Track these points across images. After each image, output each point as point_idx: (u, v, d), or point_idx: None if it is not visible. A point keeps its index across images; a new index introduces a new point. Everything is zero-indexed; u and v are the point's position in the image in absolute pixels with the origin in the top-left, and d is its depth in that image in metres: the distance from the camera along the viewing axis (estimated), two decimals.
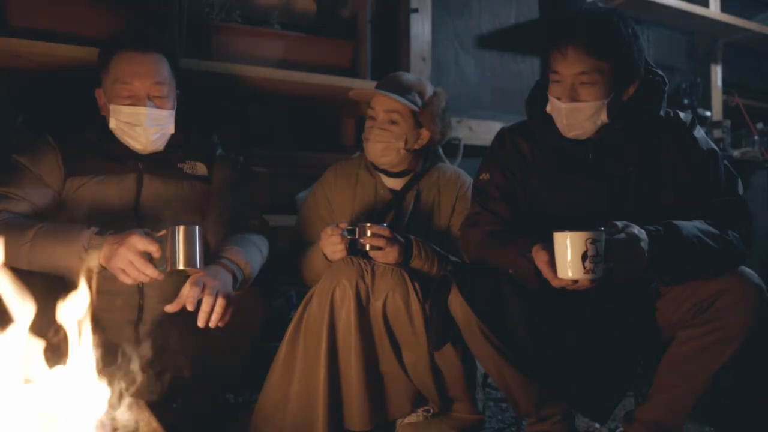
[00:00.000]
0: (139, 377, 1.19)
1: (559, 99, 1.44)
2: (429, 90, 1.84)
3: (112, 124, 1.59)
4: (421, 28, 2.64)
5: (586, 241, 1.22)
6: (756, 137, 3.41)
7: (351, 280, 1.56)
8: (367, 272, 1.59)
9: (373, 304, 1.58)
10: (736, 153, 3.30)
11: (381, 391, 1.62)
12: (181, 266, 1.38)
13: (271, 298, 1.70)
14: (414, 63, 2.60)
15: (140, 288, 1.56)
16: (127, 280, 1.37)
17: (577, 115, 1.43)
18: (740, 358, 1.39)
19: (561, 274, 1.26)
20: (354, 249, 1.63)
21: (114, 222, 1.52)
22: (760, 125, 3.49)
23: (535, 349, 1.44)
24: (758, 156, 3.29)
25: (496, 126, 2.91)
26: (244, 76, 2.18)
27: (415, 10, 2.61)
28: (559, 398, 1.52)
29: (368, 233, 1.59)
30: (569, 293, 1.32)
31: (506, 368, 1.44)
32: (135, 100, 1.58)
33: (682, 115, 1.54)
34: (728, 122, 3.47)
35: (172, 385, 1.36)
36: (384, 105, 1.79)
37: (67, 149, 1.58)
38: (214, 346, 1.51)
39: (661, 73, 1.53)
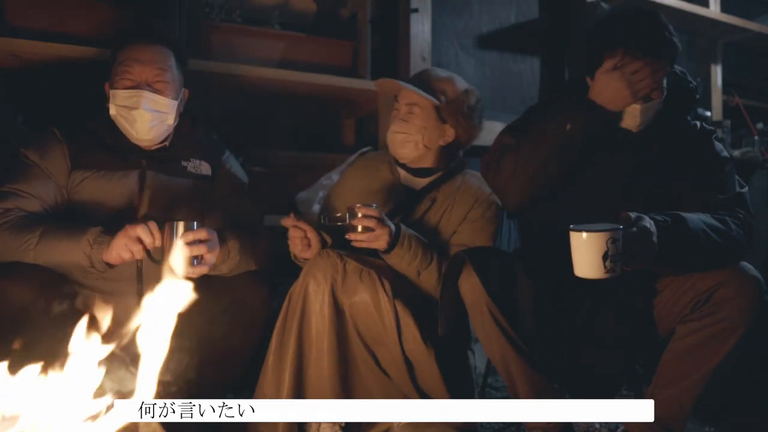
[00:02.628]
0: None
1: None
2: (459, 87, 1.83)
3: (112, 110, 1.59)
4: (421, 28, 2.64)
5: (607, 241, 1.19)
6: (756, 137, 3.40)
7: (326, 273, 1.57)
8: (338, 271, 1.58)
9: (344, 302, 1.58)
10: (736, 153, 3.30)
11: (352, 383, 1.61)
12: None
13: (272, 298, 1.71)
14: (414, 63, 2.60)
15: (139, 290, 1.57)
16: (128, 257, 1.42)
17: (649, 112, 1.52)
18: (740, 358, 1.40)
19: (579, 272, 1.24)
20: (343, 240, 1.61)
21: (115, 217, 1.53)
22: (760, 125, 3.48)
23: (540, 333, 1.46)
24: (758, 156, 3.29)
25: (497, 126, 2.91)
26: (244, 76, 2.18)
27: (415, 10, 2.61)
28: (560, 388, 1.53)
29: (358, 215, 1.57)
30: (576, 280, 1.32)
31: (510, 353, 1.46)
32: (135, 85, 1.59)
33: (707, 123, 1.63)
34: (728, 122, 3.46)
35: (173, 385, 1.37)
36: (406, 98, 1.80)
37: (74, 143, 1.59)
38: (216, 346, 1.52)
39: (694, 83, 1.61)
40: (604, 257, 1.19)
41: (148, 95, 1.58)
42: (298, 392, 1.57)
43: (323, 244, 1.68)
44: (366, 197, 1.80)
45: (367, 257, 1.66)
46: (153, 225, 1.42)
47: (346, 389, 1.58)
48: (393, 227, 1.61)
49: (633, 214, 1.29)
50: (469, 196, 1.81)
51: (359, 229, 1.57)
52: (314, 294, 1.57)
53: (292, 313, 1.59)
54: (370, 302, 1.57)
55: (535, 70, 3.21)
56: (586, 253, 1.21)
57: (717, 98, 3.65)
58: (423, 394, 1.63)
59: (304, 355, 1.58)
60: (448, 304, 1.50)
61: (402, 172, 1.86)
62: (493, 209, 1.81)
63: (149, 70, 1.60)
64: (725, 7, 3.56)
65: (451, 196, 1.80)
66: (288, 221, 1.62)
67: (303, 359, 1.58)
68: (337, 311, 1.58)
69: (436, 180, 1.84)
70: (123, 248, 1.40)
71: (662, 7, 3.20)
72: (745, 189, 1.53)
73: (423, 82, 1.80)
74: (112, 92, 1.59)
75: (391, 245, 1.61)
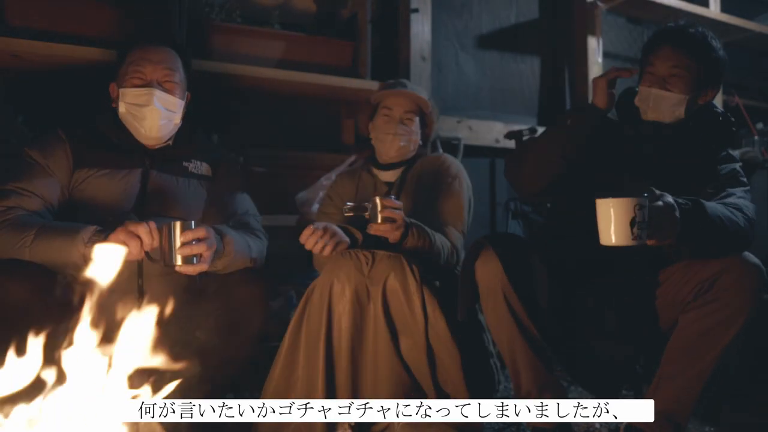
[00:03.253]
0: (138, 375, 1.19)
1: (649, 86, 1.61)
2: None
3: (122, 108, 1.61)
4: (421, 28, 2.64)
5: (634, 207, 1.24)
6: (756, 137, 3.40)
7: (349, 274, 1.60)
8: (366, 263, 1.63)
9: (372, 290, 1.61)
10: (736, 153, 3.30)
11: (364, 382, 1.62)
12: (179, 263, 1.41)
13: (272, 299, 1.71)
14: (414, 63, 2.60)
15: (139, 285, 1.57)
16: (131, 253, 1.40)
17: (662, 102, 1.60)
18: (741, 357, 1.40)
19: (605, 240, 1.28)
20: (362, 228, 1.66)
21: (117, 216, 1.54)
22: (760, 125, 3.48)
23: (553, 319, 1.50)
24: (758, 156, 3.29)
25: (496, 126, 2.94)
26: (244, 76, 2.18)
27: (415, 10, 2.61)
28: (562, 379, 1.55)
29: (379, 207, 1.63)
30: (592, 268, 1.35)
31: (518, 341, 1.49)
32: (145, 83, 1.62)
33: (735, 153, 1.69)
34: None
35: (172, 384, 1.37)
36: (404, 106, 1.97)
37: (77, 142, 1.61)
38: (215, 345, 1.52)
39: (733, 119, 1.69)
40: (632, 223, 1.24)
41: (158, 93, 1.62)
42: (330, 393, 1.59)
43: (352, 241, 1.74)
44: (354, 199, 1.95)
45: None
46: (152, 225, 1.42)
47: (356, 389, 1.60)
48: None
49: (657, 191, 1.33)
50: (431, 168, 1.99)
51: (379, 219, 1.63)
52: (338, 295, 1.60)
53: (316, 314, 1.61)
54: (398, 286, 1.61)
55: (535, 70, 3.21)
56: (614, 219, 1.25)
57: (717, 98, 3.64)
58: (441, 392, 1.63)
59: (334, 356, 1.60)
60: (466, 290, 1.54)
61: (378, 172, 2.02)
62: (458, 178, 1.97)
63: (160, 69, 1.64)
64: (725, 7, 3.57)
65: (421, 173, 1.99)
66: (311, 240, 1.64)
67: (333, 360, 1.60)
68: (357, 313, 1.60)
69: (407, 167, 2.01)
70: (120, 244, 1.40)
71: (662, 7, 3.21)
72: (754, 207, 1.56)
73: (416, 91, 2.01)
74: (121, 91, 1.62)
75: (403, 236, 1.68)
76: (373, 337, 1.62)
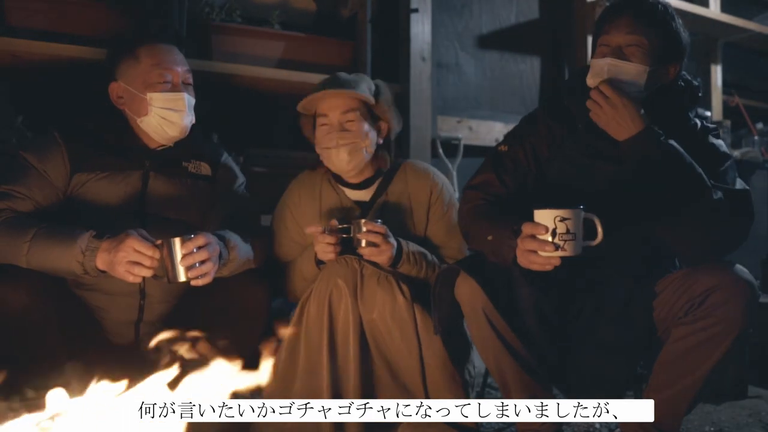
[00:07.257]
0: (140, 377, 1.19)
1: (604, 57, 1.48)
2: (372, 82, 1.80)
3: (152, 113, 1.59)
4: (421, 28, 2.64)
5: (554, 218, 1.30)
6: (756, 137, 3.41)
7: (347, 279, 1.58)
8: (357, 277, 1.59)
9: (364, 317, 1.58)
10: (736, 153, 3.30)
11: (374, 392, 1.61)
12: (182, 279, 1.40)
13: (272, 299, 1.71)
14: (414, 63, 2.60)
15: (141, 288, 1.57)
16: (133, 280, 1.40)
17: (619, 74, 1.46)
18: (740, 358, 1.39)
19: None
20: (346, 248, 1.62)
21: (118, 219, 1.53)
22: (760, 125, 3.49)
23: (541, 338, 1.46)
24: (758, 156, 3.29)
25: (496, 126, 2.93)
26: (245, 76, 2.18)
27: (415, 10, 2.61)
28: (557, 394, 1.53)
29: (363, 229, 1.58)
30: (576, 285, 1.33)
31: (506, 359, 1.45)
32: (173, 86, 1.62)
33: (720, 141, 1.58)
34: (728, 122, 3.47)
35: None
36: (339, 107, 1.70)
37: (73, 146, 1.58)
38: (218, 347, 1.52)
39: (697, 83, 1.58)
40: (553, 234, 1.29)
41: (188, 97, 1.64)
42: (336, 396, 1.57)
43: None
44: (319, 220, 1.75)
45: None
46: (155, 252, 1.40)
47: (368, 393, 1.58)
48: (395, 243, 1.62)
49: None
50: (421, 191, 1.80)
51: (363, 243, 1.58)
52: (338, 301, 1.58)
53: (313, 322, 1.59)
54: (387, 314, 1.57)
55: (535, 70, 3.21)
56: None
57: (717, 98, 3.65)
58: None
59: (338, 358, 1.58)
60: (439, 307, 1.51)
61: (344, 189, 1.80)
62: (452, 201, 1.82)
63: (182, 72, 1.64)
64: (725, 7, 3.56)
65: (404, 195, 1.79)
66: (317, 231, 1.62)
67: (338, 368, 1.58)
68: (361, 319, 1.59)
69: (382, 183, 1.81)
70: (124, 276, 1.40)
71: None
72: (748, 188, 1.49)
73: (348, 85, 1.71)
74: (150, 95, 1.58)
75: (396, 260, 1.63)
76: (373, 348, 1.60)
